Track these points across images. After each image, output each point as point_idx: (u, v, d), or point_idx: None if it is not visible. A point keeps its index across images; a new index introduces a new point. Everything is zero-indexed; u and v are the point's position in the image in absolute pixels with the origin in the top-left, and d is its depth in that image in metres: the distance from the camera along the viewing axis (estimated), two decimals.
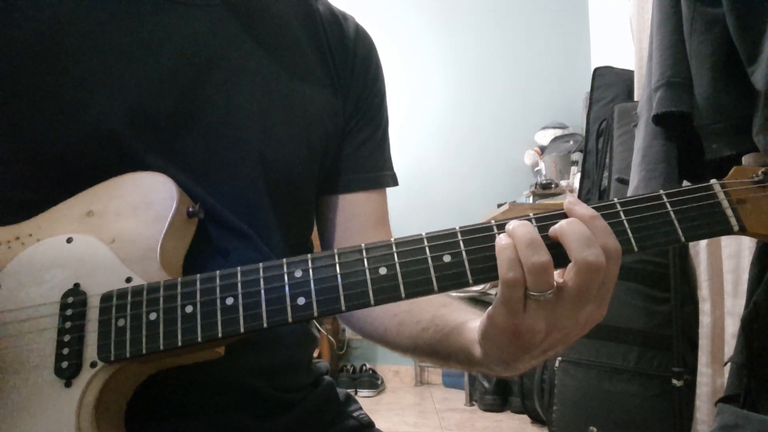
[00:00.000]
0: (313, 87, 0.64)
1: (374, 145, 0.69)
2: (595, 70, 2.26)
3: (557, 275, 0.42)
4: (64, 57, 0.51)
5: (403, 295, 0.42)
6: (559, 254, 0.41)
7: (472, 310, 0.56)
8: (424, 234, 0.44)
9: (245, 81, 0.58)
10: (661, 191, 0.44)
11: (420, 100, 3.40)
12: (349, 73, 0.67)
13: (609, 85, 2.21)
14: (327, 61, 0.66)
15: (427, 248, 0.43)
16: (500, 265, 0.41)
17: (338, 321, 3.12)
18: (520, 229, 0.42)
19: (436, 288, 0.43)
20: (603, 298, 0.43)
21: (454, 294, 0.58)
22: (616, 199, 0.44)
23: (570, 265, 0.41)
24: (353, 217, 0.68)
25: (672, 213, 0.43)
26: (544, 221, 0.43)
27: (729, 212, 0.43)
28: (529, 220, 0.43)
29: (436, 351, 0.56)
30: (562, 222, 0.42)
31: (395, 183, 0.72)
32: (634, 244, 0.43)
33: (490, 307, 0.45)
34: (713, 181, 0.45)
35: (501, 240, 0.42)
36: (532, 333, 0.42)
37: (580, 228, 0.41)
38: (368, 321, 0.64)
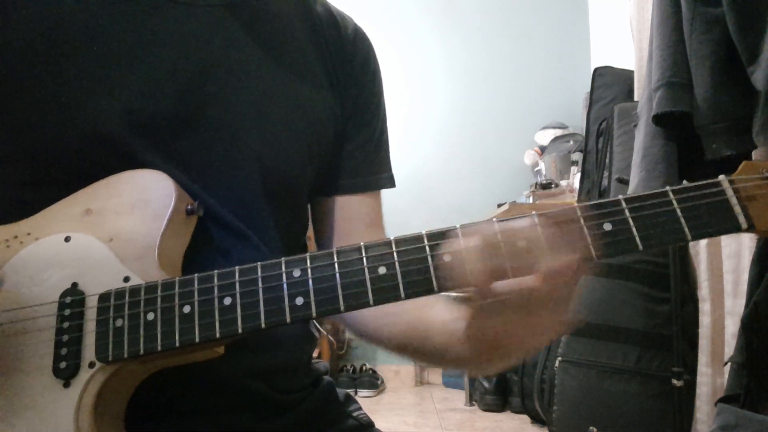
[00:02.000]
0: (313, 88, 0.63)
1: (371, 147, 0.69)
2: (595, 70, 2.26)
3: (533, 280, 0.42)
4: (63, 57, 0.51)
5: (402, 295, 0.42)
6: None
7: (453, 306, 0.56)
8: (424, 232, 0.43)
9: (245, 82, 0.58)
10: (668, 188, 0.42)
11: (420, 101, 3.40)
12: (348, 74, 0.67)
13: (609, 85, 2.21)
14: (326, 63, 0.66)
15: (427, 247, 0.42)
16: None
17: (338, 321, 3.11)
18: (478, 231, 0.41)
19: (436, 288, 0.42)
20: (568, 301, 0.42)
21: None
22: (621, 196, 0.42)
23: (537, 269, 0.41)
24: (347, 220, 0.67)
25: (678, 210, 0.41)
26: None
27: (737, 209, 0.41)
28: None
29: (423, 351, 0.57)
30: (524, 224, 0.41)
31: (392, 184, 0.72)
32: (639, 243, 0.41)
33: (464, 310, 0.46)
34: (722, 177, 0.42)
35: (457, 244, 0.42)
36: (509, 336, 0.44)
37: (534, 233, 0.41)
38: (359, 320, 0.64)
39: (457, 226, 0.43)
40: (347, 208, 0.68)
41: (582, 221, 0.42)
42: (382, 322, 0.61)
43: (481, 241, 0.41)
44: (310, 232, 0.71)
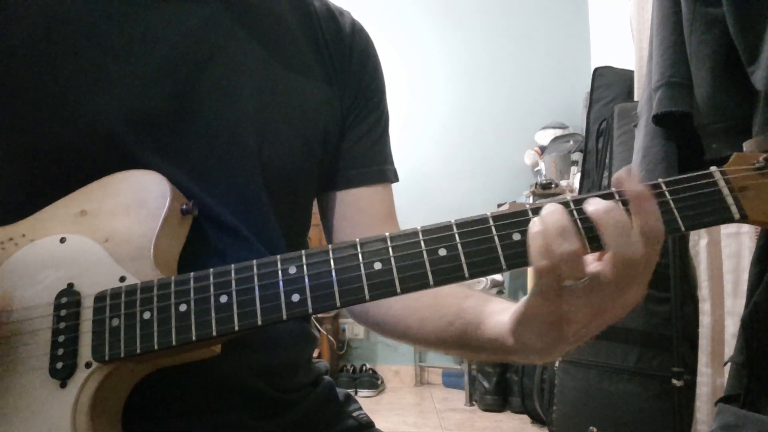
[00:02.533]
0: (311, 83, 0.63)
1: (374, 139, 0.69)
2: (595, 70, 2.26)
3: (595, 258, 0.41)
4: (59, 56, 0.51)
5: (398, 290, 0.42)
6: (597, 237, 0.40)
7: (497, 299, 0.55)
8: (419, 228, 0.43)
9: (242, 77, 0.58)
10: (660, 180, 0.42)
11: (420, 101, 3.40)
12: (346, 68, 0.67)
13: (609, 85, 2.20)
14: (323, 57, 0.65)
15: (422, 242, 0.43)
16: (532, 253, 0.40)
17: (338, 321, 3.12)
18: (552, 216, 0.40)
19: (431, 282, 0.42)
20: (643, 281, 0.41)
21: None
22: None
23: (606, 255, 0.40)
24: (359, 212, 0.67)
25: (671, 201, 0.42)
26: (582, 204, 0.42)
27: (730, 200, 0.42)
28: (566, 203, 0.42)
29: (465, 344, 0.55)
30: (599, 208, 0.40)
31: (396, 179, 0.72)
32: None
33: (525, 297, 0.44)
34: (713, 168, 0.43)
35: (533, 226, 0.40)
36: (571, 321, 0.42)
37: (618, 217, 0.39)
38: (388, 320, 0.63)
39: (452, 221, 0.43)
40: (359, 201, 0.67)
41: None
42: (416, 317, 0.60)
43: (557, 221, 0.40)
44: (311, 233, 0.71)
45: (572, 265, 0.39)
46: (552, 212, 0.40)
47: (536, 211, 0.42)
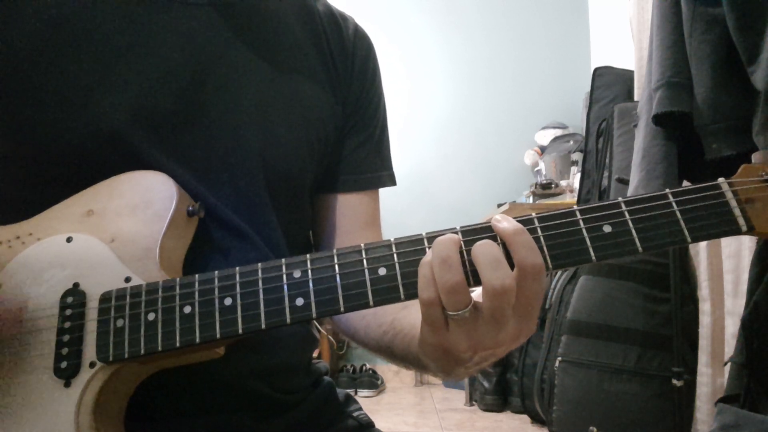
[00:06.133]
0: (313, 86, 0.64)
1: (371, 146, 0.70)
2: (595, 70, 2.26)
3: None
4: (65, 57, 0.51)
5: (402, 296, 0.42)
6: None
7: None
8: (424, 234, 0.43)
9: (245, 79, 0.58)
10: (667, 190, 0.42)
11: (420, 101, 3.40)
12: (348, 73, 0.67)
13: (609, 85, 2.20)
14: (327, 61, 0.66)
15: (427, 248, 0.43)
16: (419, 282, 0.41)
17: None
18: (438, 246, 0.41)
19: None
20: (525, 314, 0.41)
21: None
22: (620, 198, 0.42)
23: (481, 287, 0.40)
24: (345, 217, 0.68)
25: (678, 213, 0.42)
26: (473, 234, 0.42)
27: (737, 212, 0.41)
28: (456, 232, 0.42)
29: (393, 353, 0.56)
30: (476, 243, 0.41)
31: (393, 183, 0.72)
32: (638, 244, 0.41)
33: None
34: (721, 180, 0.43)
35: (425, 257, 0.41)
36: (457, 350, 0.42)
37: (490, 250, 0.40)
38: (342, 321, 0.65)
39: (458, 227, 0.43)
40: (346, 206, 0.68)
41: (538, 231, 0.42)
42: (363, 323, 0.61)
43: (441, 252, 0.40)
44: None
45: (454, 297, 0.40)
46: (439, 242, 0.41)
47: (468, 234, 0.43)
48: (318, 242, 0.70)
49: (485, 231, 0.42)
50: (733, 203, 0.42)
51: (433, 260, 0.40)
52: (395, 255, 0.43)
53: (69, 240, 0.48)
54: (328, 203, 0.68)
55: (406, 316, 0.55)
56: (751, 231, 0.42)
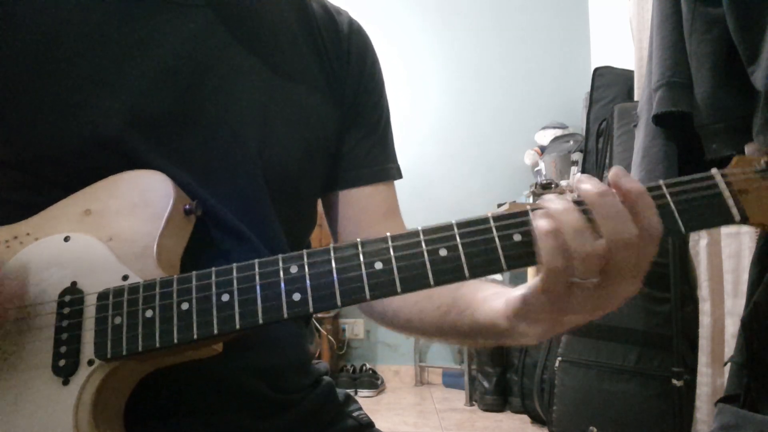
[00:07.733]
0: (311, 85, 0.64)
1: (375, 139, 0.70)
2: (595, 70, 2.26)
3: None
4: (62, 59, 0.51)
5: (399, 289, 0.42)
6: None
7: (489, 285, 0.55)
8: (420, 228, 0.43)
9: (243, 80, 0.58)
10: (661, 181, 0.42)
11: (420, 101, 3.40)
12: (345, 69, 0.67)
13: (609, 85, 2.21)
14: (323, 58, 0.66)
15: (423, 242, 0.43)
16: (545, 252, 0.40)
17: (338, 321, 3.12)
18: (566, 215, 0.40)
19: (432, 282, 0.42)
20: (639, 274, 0.41)
21: None
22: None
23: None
24: (362, 211, 0.68)
25: (672, 203, 0.42)
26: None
27: (730, 202, 0.42)
28: (577, 202, 0.41)
29: (461, 332, 0.56)
30: (597, 202, 0.40)
31: (399, 176, 0.73)
32: None
33: (524, 292, 0.45)
34: (714, 170, 0.43)
35: (543, 225, 0.40)
36: (575, 317, 0.42)
37: (613, 202, 0.40)
38: (388, 313, 0.64)
39: (453, 221, 0.43)
40: (361, 200, 0.68)
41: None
42: (416, 309, 0.60)
43: (573, 221, 0.40)
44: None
45: (589, 265, 0.39)
46: (565, 211, 0.40)
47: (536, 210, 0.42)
48: (339, 240, 0.69)
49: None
50: (727, 194, 0.42)
51: (565, 228, 0.39)
52: (391, 249, 0.43)
53: (67, 239, 0.48)
54: (343, 200, 0.68)
55: (469, 292, 0.55)
56: (744, 221, 0.42)
